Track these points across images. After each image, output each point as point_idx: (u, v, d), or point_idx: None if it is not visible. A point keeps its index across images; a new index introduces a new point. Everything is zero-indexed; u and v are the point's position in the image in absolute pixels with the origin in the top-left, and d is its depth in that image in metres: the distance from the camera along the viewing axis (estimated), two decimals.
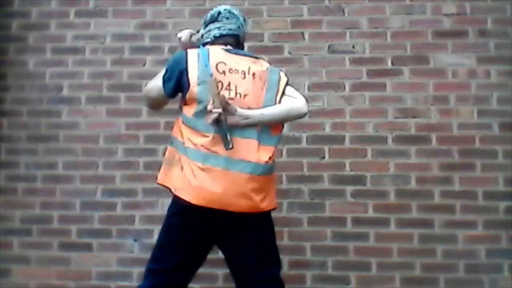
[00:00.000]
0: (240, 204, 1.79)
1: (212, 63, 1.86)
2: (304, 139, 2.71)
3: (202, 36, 2.04)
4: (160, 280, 1.89)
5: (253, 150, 1.83)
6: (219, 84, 1.83)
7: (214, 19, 2.03)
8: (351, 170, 2.67)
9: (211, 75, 1.82)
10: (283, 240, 2.60)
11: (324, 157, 2.70)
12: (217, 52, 1.92)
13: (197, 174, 1.79)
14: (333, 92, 2.75)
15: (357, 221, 2.63)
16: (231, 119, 1.79)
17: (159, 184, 1.96)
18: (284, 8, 2.85)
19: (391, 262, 2.58)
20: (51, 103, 2.85)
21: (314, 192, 2.67)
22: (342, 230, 2.62)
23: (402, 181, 2.65)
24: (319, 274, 2.60)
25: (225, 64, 1.88)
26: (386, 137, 2.69)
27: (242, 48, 2.08)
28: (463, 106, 2.69)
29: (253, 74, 1.90)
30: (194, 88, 1.83)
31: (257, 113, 1.84)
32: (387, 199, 2.64)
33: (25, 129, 2.84)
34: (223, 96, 1.78)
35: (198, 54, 1.89)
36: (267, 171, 1.86)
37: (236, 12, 2.06)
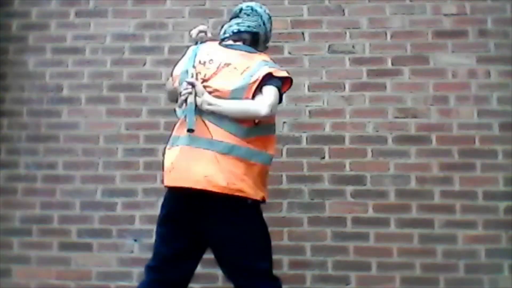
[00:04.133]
0: (196, 180, 1.80)
1: (198, 57, 1.96)
2: (304, 139, 2.71)
3: (225, 31, 2.08)
4: (156, 276, 1.91)
5: (217, 132, 1.85)
6: (197, 75, 1.91)
7: (235, 15, 2.09)
8: (351, 170, 2.67)
9: (193, 66, 1.93)
10: (283, 240, 2.60)
11: (324, 157, 2.70)
12: (210, 46, 2.01)
13: (168, 157, 1.91)
14: (333, 92, 2.75)
15: (357, 221, 2.63)
16: (196, 100, 1.86)
17: None
18: (284, 8, 2.84)
19: (391, 262, 2.58)
20: (51, 103, 2.85)
21: (314, 192, 2.66)
22: (342, 230, 2.62)
23: (402, 181, 2.64)
24: (319, 274, 2.60)
25: (208, 54, 1.96)
26: (386, 137, 2.68)
27: (261, 47, 2.08)
28: (463, 106, 2.68)
29: (228, 65, 1.91)
30: (177, 80, 1.97)
31: (219, 103, 1.86)
32: (387, 199, 2.64)
33: (25, 129, 2.84)
34: (194, 75, 1.90)
35: (194, 50, 2.01)
36: (228, 150, 1.82)
37: (259, 9, 2.08)
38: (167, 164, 1.90)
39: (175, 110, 2.00)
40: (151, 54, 2.84)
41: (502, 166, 2.61)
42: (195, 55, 1.97)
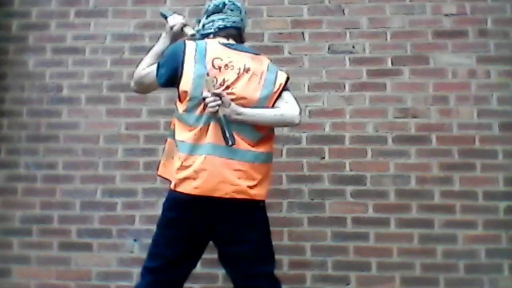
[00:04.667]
0: (225, 189, 1.80)
1: (208, 59, 1.87)
2: (304, 139, 2.71)
3: (203, 26, 2.02)
4: (156, 277, 1.90)
5: (237, 140, 1.82)
6: (214, 80, 1.84)
7: (218, 10, 2.01)
8: (351, 170, 2.67)
9: (208, 74, 1.83)
10: (283, 240, 2.60)
11: (324, 157, 2.70)
12: (214, 47, 1.91)
13: (185, 165, 1.83)
14: (333, 92, 2.75)
15: (357, 221, 2.63)
16: (224, 111, 1.81)
17: (159, 176, 2.04)
18: (284, 8, 2.85)
19: (391, 262, 2.58)
20: (51, 103, 2.85)
21: (314, 192, 2.66)
22: (342, 230, 2.62)
23: (402, 181, 2.64)
24: (319, 274, 2.60)
25: (221, 59, 1.88)
26: (386, 137, 2.68)
27: (243, 42, 2.07)
28: (463, 106, 2.68)
29: (248, 71, 1.89)
30: (188, 83, 1.84)
31: (250, 112, 1.85)
32: (387, 199, 2.64)
33: (25, 129, 2.84)
34: (219, 88, 1.83)
35: (196, 49, 1.89)
36: (253, 158, 1.85)
37: (239, 4, 2.06)
38: (187, 171, 1.82)
39: (181, 114, 1.90)
40: None
41: (502, 166, 2.61)
42: (204, 57, 1.87)
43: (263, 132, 1.91)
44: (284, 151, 2.69)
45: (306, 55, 2.79)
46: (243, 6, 2.10)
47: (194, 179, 1.81)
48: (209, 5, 2.05)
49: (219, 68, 1.87)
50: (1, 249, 2.73)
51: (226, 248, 1.92)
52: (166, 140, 2.04)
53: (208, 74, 1.83)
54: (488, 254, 2.55)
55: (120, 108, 2.82)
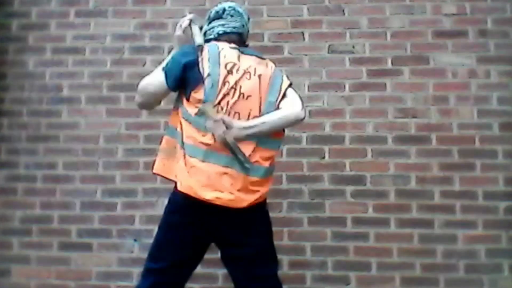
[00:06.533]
0: (233, 200, 1.79)
1: (222, 62, 1.85)
2: (304, 139, 2.71)
3: (205, 32, 2.02)
4: (159, 279, 1.89)
5: (250, 152, 1.82)
6: (226, 84, 1.83)
7: (218, 16, 2.01)
8: (351, 170, 2.67)
9: (219, 79, 1.83)
10: (283, 240, 2.60)
11: (324, 157, 2.70)
12: (226, 50, 1.90)
13: (197, 169, 1.79)
14: (333, 92, 2.75)
15: (357, 221, 2.63)
16: (231, 133, 1.78)
17: (156, 173, 1.96)
18: (284, 8, 2.85)
19: (391, 262, 2.58)
20: (51, 103, 2.85)
21: (314, 192, 2.66)
22: (342, 230, 2.62)
23: (402, 181, 2.64)
24: (319, 274, 2.60)
25: (233, 63, 1.87)
26: (386, 137, 2.68)
27: (246, 47, 2.06)
28: (463, 106, 2.68)
29: (259, 75, 1.88)
30: (203, 88, 1.82)
31: (256, 122, 1.82)
32: (387, 199, 2.64)
33: (25, 129, 2.84)
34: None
35: (209, 51, 1.88)
36: (263, 174, 1.85)
37: (241, 10, 2.05)
38: (201, 177, 1.79)
39: (191, 116, 1.85)
40: (151, 54, 2.84)
41: (502, 166, 2.61)
42: (217, 61, 1.85)
43: (279, 137, 1.91)
44: (284, 151, 2.69)
45: (306, 55, 2.79)
46: (244, 8, 2.09)
47: (211, 187, 1.78)
48: (210, 12, 2.05)
49: (231, 71, 1.85)
50: (1, 249, 2.73)
51: (228, 249, 1.92)
52: (163, 137, 2.00)
53: (220, 79, 1.83)
54: (488, 254, 2.55)
55: (120, 108, 2.82)
